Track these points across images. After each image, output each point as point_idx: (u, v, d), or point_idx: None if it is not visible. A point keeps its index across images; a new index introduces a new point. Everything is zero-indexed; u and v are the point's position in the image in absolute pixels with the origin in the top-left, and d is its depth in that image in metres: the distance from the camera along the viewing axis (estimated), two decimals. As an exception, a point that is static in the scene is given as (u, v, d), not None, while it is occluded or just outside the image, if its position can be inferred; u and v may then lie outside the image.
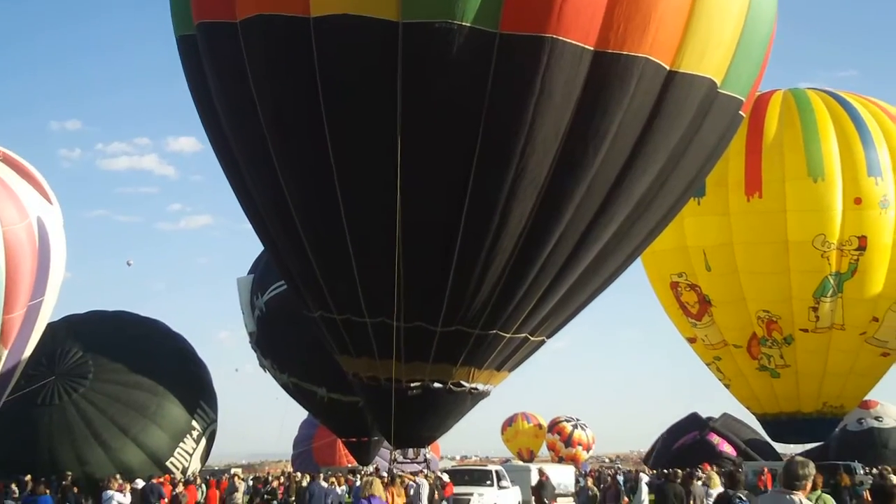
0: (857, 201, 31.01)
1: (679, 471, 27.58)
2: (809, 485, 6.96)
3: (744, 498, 13.08)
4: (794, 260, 31.09)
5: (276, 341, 31.08)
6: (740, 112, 17.96)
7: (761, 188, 31.22)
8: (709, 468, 27.82)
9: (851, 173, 31.06)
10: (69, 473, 27.87)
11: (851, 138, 31.50)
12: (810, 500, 7.26)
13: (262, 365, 32.58)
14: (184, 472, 31.55)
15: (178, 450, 31.73)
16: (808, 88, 34.33)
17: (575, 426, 64.42)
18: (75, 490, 24.41)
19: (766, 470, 30.26)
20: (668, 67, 15.64)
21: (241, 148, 17.74)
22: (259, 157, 17.05)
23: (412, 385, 18.42)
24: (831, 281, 31.37)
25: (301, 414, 40.01)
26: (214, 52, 17.11)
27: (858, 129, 31.74)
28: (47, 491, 20.78)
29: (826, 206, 30.88)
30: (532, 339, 18.85)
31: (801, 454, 33.69)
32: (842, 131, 31.63)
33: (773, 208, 31.02)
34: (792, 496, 6.79)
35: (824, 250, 31.01)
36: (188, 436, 32.15)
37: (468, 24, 14.72)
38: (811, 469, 6.93)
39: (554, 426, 65.10)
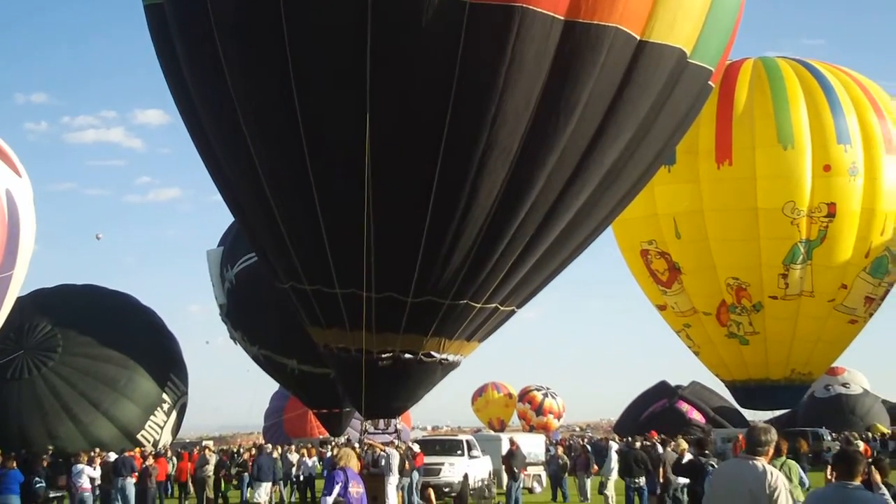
0: (827, 168, 31.23)
1: (638, 437, 27.85)
2: (772, 451, 7.07)
3: (715, 465, 13.19)
4: (764, 227, 31.30)
5: (246, 313, 31.00)
6: (709, 82, 17.93)
7: (731, 156, 31.38)
8: (656, 435, 28.19)
9: (821, 141, 31.27)
10: (50, 448, 27.74)
11: (821, 106, 31.67)
12: (775, 466, 7.32)
13: (232, 337, 32.51)
14: (155, 444, 31.50)
15: (148, 423, 31.68)
16: (779, 57, 34.44)
17: (545, 395, 64.80)
18: (45, 464, 24.25)
19: (740, 437, 30.57)
20: (637, 37, 15.56)
21: (209, 117, 17.57)
22: (228, 125, 16.87)
23: (383, 356, 18.39)
24: (801, 248, 31.62)
25: (272, 386, 40.00)
26: (182, 19, 16.89)
27: (828, 98, 31.92)
28: (15, 465, 20.65)
29: (796, 173, 31.09)
30: (502, 308, 18.85)
31: (769, 421, 34.05)
32: (811, 99, 31.79)
33: (743, 175, 31.18)
34: (754, 462, 6.87)
35: (794, 217, 31.24)
36: (159, 408, 32.09)
37: None
38: (773, 435, 7.03)
39: (524, 395, 65.44)
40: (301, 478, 28.73)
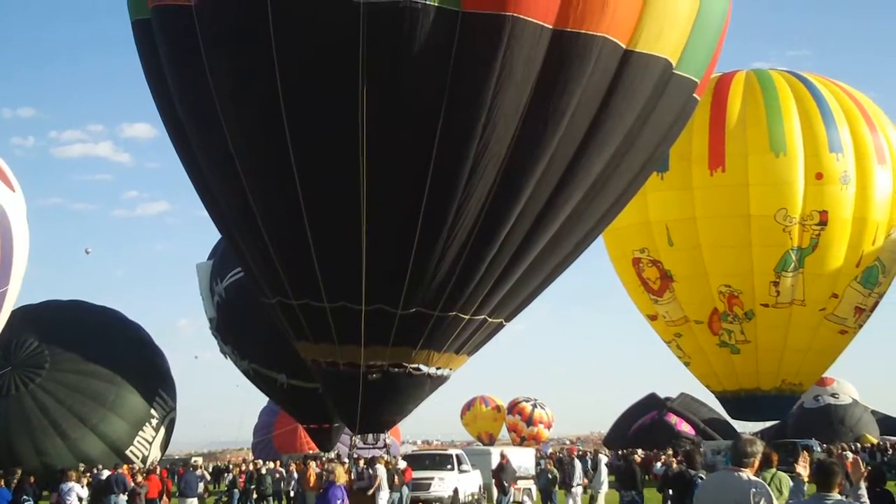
0: (819, 177, 31.26)
1: (637, 450, 27.68)
2: (758, 462, 7.07)
3: (704, 478, 13.08)
4: (756, 234, 31.29)
5: (235, 327, 30.85)
6: (695, 95, 17.93)
7: (724, 163, 31.41)
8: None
9: (813, 149, 31.33)
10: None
11: (813, 116, 31.77)
12: (764, 479, 7.28)
13: (222, 351, 32.35)
14: (143, 460, 31.33)
15: (137, 438, 31.52)
16: (771, 69, 34.62)
17: (534, 406, 65.06)
18: (31, 480, 24.03)
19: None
20: (624, 46, 15.59)
21: (195, 130, 17.47)
22: (215, 142, 16.76)
23: (372, 370, 18.27)
24: (792, 255, 31.60)
25: (262, 401, 39.82)
26: (169, 33, 16.82)
27: (820, 108, 32.03)
28: (2, 483, 20.47)
29: (788, 181, 31.13)
30: (490, 320, 18.74)
31: (758, 432, 34.00)
32: (804, 109, 31.90)
33: (736, 182, 31.20)
34: (739, 473, 6.87)
35: (786, 225, 31.23)
36: (147, 424, 31.92)
37: (432, 4, 14.56)
38: (759, 447, 7.08)
39: (514, 407, 65.62)
40: (292, 493, 28.54)
